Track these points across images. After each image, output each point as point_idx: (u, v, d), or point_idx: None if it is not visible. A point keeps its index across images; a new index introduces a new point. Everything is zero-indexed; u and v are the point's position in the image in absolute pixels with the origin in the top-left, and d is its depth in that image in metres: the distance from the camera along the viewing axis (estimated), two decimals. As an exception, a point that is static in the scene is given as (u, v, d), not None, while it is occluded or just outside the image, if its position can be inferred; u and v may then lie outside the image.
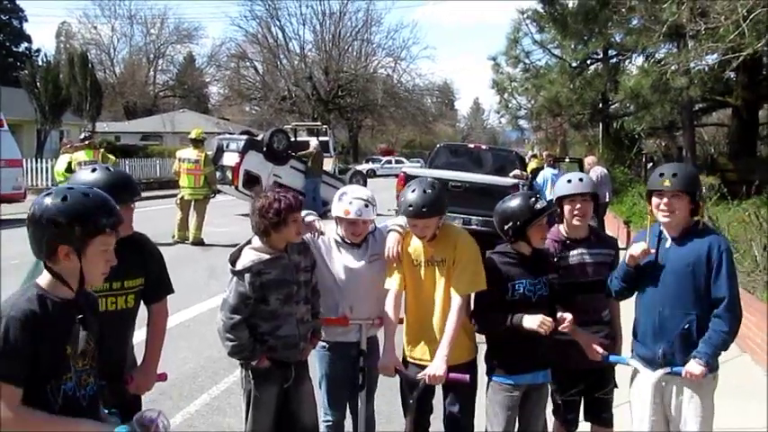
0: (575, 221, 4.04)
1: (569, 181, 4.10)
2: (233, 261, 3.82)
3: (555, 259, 4.06)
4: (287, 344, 3.84)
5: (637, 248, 3.63)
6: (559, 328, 3.80)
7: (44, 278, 2.47)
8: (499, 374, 3.91)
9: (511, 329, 3.79)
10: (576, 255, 4.07)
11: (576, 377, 4.07)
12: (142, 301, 3.48)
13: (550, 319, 3.74)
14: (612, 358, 3.92)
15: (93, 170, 3.25)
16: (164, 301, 3.58)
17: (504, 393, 3.90)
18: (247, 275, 3.74)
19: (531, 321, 3.73)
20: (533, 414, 4.00)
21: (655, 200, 3.64)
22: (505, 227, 3.91)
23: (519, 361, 3.88)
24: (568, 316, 3.82)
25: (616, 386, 4.15)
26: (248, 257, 3.78)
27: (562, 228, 4.16)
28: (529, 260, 3.96)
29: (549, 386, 4.09)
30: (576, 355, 3.97)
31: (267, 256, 3.79)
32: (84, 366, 2.50)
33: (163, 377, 3.59)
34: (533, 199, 3.93)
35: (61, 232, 2.37)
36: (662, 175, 3.61)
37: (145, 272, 3.42)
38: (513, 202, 3.92)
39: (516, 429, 4.01)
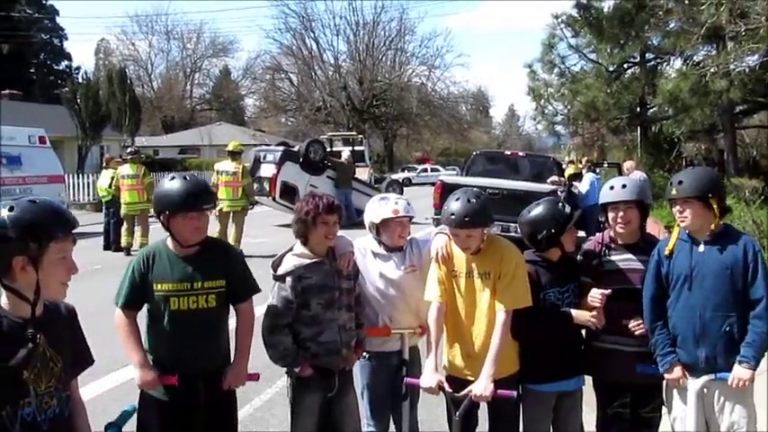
0: (618, 229, 3.95)
1: (612, 188, 3.99)
2: (275, 267, 3.88)
3: (595, 262, 3.99)
4: (329, 350, 3.86)
5: (677, 376, 3.67)
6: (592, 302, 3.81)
7: (2, 297, 2.38)
8: (531, 381, 3.88)
9: (543, 335, 3.80)
10: (621, 260, 3.96)
11: (620, 389, 3.96)
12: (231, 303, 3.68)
13: (594, 320, 3.78)
14: (649, 368, 3.78)
15: (173, 178, 3.56)
16: (249, 301, 3.72)
17: (537, 400, 3.88)
18: (289, 279, 3.79)
19: (582, 317, 3.79)
20: (568, 420, 3.97)
21: (673, 208, 3.72)
22: (539, 236, 3.90)
23: (550, 368, 3.85)
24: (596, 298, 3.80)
25: (663, 403, 3.97)
26: (290, 262, 3.84)
27: (610, 232, 4.05)
28: (557, 267, 3.94)
29: (595, 399, 4.03)
30: (615, 366, 3.90)
31: (308, 261, 3.83)
32: (48, 388, 2.42)
33: (255, 377, 3.74)
34: (560, 204, 3.92)
35: (13, 244, 2.29)
36: (671, 184, 3.66)
37: (226, 274, 3.59)
38: (543, 211, 3.90)
39: None
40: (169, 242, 3.58)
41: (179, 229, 3.50)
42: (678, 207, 3.64)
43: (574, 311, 3.85)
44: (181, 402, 3.50)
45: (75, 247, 2.47)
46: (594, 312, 3.79)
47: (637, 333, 3.83)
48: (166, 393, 3.52)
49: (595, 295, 3.79)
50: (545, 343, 3.82)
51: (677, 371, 3.65)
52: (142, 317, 3.65)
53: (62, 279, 2.43)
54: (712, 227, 3.64)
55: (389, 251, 4.15)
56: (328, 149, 21.89)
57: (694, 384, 3.61)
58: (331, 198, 3.92)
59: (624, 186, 3.95)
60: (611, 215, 3.95)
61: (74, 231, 2.46)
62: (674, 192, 3.62)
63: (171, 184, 3.54)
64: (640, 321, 3.81)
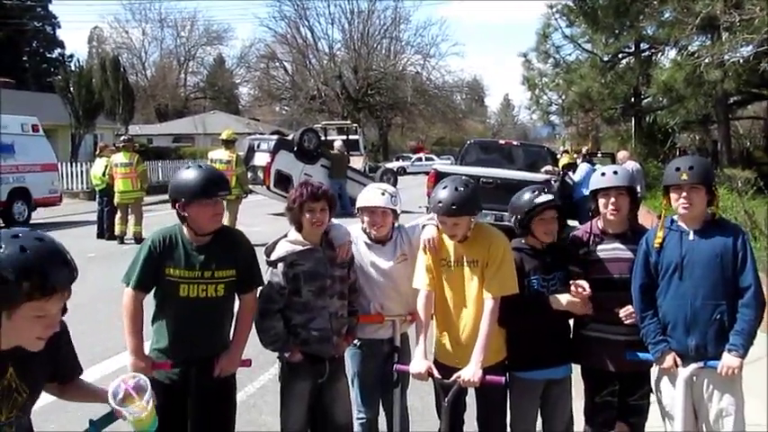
0: (609, 216, 3.94)
1: (603, 174, 4.01)
2: (268, 252, 3.90)
3: (583, 252, 3.99)
4: (319, 337, 3.88)
5: (669, 364, 3.67)
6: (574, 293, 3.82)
7: None
8: (518, 369, 3.91)
9: (529, 323, 3.83)
10: (609, 249, 3.96)
11: (608, 377, 3.97)
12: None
13: (581, 305, 3.79)
14: (640, 355, 3.79)
15: (188, 167, 3.59)
16: (253, 292, 3.76)
17: (524, 388, 3.91)
18: (281, 265, 3.82)
19: (562, 299, 3.81)
20: (557, 409, 3.99)
21: (673, 195, 3.65)
22: (513, 221, 3.97)
23: (537, 356, 3.87)
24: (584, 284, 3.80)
25: (651, 391, 4.01)
26: (283, 248, 3.87)
27: (598, 221, 4.06)
28: (543, 255, 3.95)
29: (583, 387, 4.06)
30: (603, 355, 3.92)
31: (300, 248, 3.85)
32: (9, 418, 2.26)
33: (247, 363, 3.77)
34: (536, 192, 3.91)
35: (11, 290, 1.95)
36: (678, 169, 3.61)
37: (237, 264, 3.61)
38: (519, 196, 3.96)
39: (541, 425, 4.03)
40: (185, 229, 3.58)
41: (195, 216, 3.51)
42: (684, 193, 3.58)
43: (553, 296, 3.86)
44: (178, 387, 3.54)
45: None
46: (577, 299, 3.81)
47: (627, 322, 3.83)
48: (167, 377, 3.57)
49: (581, 285, 3.80)
50: (531, 331, 3.85)
51: (669, 359, 3.66)
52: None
53: (39, 334, 2.10)
54: (709, 214, 3.66)
55: (378, 241, 4.18)
56: (322, 138, 21.87)
57: (683, 372, 3.63)
58: (319, 185, 3.93)
59: (615, 173, 3.97)
60: (601, 201, 3.95)
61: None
62: (683, 177, 3.56)
63: (187, 172, 3.56)
64: (630, 310, 3.82)
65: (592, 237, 4.02)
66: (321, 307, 3.88)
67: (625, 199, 3.93)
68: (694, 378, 3.64)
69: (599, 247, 3.98)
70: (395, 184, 18.92)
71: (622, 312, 3.83)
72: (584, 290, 3.79)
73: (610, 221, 3.98)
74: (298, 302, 3.87)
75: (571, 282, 3.84)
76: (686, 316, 3.62)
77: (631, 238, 3.95)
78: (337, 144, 20.61)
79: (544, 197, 3.89)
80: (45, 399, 2.40)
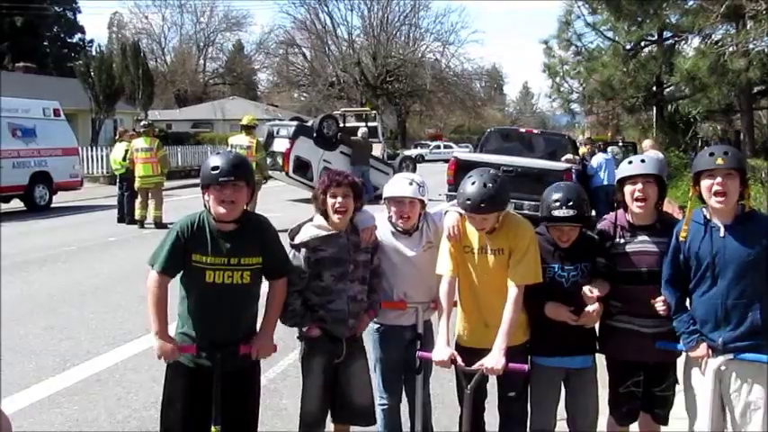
0: (635, 206, 3.78)
1: (630, 162, 3.87)
2: (293, 235, 3.92)
3: (609, 244, 3.90)
4: (336, 318, 3.92)
5: (701, 353, 3.56)
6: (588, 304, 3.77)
7: None
8: (538, 354, 3.89)
9: (542, 310, 3.81)
10: (636, 242, 3.83)
11: (633, 367, 3.92)
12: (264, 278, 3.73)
13: (572, 316, 3.76)
14: (668, 345, 3.73)
15: (218, 153, 3.64)
16: (284, 278, 3.77)
17: (541, 373, 3.89)
18: (303, 250, 3.85)
19: (552, 311, 3.78)
20: (577, 401, 3.94)
21: (706, 181, 3.45)
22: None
23: (555, 342, 3.83)
24: (595, 291, 3.73)
25: (677, 382, 3.94)
26: (307, 233, 3.89)
27: (623, 213, 3.91)
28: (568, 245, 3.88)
29: (608, 377, 4.02)
30: (630, 346, 3.86)
31: (324, 233, 3.86)
32: None
33: (274, 348, 3.80)
34: (557, 204, 3.75)
35: None
36: (712, 154, 3.44)
37: (263, 252, 3.61)
38: (549, 192, 3.84)
39: (565, 417, 3.99)
40: (210, 216, 3.59)
41: (210, 202, 3.52)
42: (719, 179, 3.39)
43: (549, 304, 3.81)
44: (203, 371, 3.55)
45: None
46: (590, 309, 3.76)
47: (661, 310, 3.69)
48: (192, 360, 3.59)
49: (591, 293, 3.75)
50: (548, 317, 3.81)
51: (702, 348, 3.55)
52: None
53: None
54: (740, 207, 3.51)
55: (405, 231, 4.14)
56: (342, 125, 21.85)
57: (712, 363, 3.54)
58: (342, 173, 3.96)
59: (643, 161, 3.82)
60: (627, 189, 3.79)
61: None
62: (719, 161, 3.38)
63: (208, 159, 3.61)
64: (664, 300, 3.70)
65: (618, 229, 3.89)
66: (341, 290, 3.91)
67: (652, 187, 3.76)
68: (723, 368, 3.55)
69: (625, 240, 3.85)
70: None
71: (659, 303, 3.70)
72: (592, 293, 3.74)
73: (636, 213, 3.82)
74: (318, 286, 3.90)
75: (583, 288, 3.79)
76: (717, 315, 3.51)
77: (660, 230, 3.80)
78: (361, 131, 20.55)
79: (564, 212, 3.74)
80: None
